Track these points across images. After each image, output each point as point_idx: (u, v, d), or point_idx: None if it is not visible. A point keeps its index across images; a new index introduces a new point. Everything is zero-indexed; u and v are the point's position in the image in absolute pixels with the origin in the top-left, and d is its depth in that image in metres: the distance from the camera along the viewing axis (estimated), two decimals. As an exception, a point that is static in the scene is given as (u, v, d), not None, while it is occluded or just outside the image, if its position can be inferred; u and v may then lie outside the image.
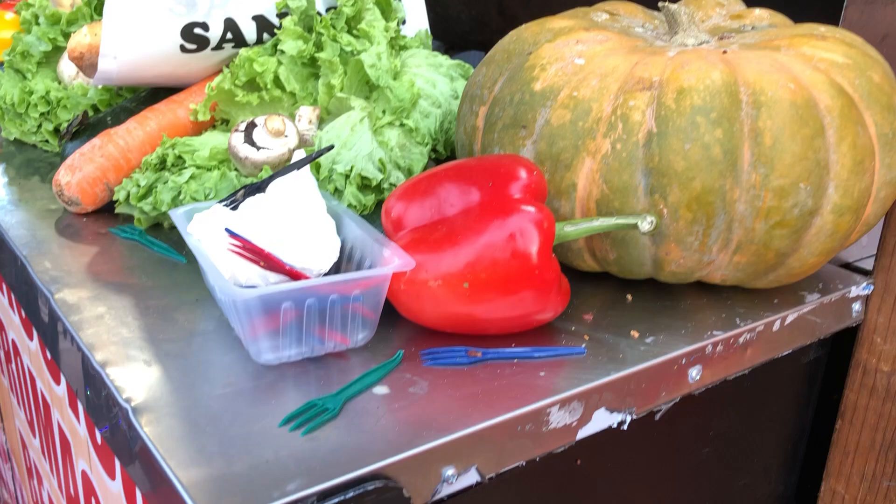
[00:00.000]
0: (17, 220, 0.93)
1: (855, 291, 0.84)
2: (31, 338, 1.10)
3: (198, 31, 0.95)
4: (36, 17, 1.32)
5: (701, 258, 0.74)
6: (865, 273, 0.88)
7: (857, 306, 0.85)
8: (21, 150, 1.19)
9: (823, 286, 0.83)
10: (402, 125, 0.94)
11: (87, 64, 0.98)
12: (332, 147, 0.76)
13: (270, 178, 0.72)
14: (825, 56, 0.75)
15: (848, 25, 0.94)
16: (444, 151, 0.98)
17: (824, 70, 0.74)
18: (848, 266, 0.91)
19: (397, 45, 1.06)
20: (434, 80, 1.00)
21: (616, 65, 0.75)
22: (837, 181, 0.70)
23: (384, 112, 0.94)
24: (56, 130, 1.14)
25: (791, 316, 0.78)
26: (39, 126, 1.16)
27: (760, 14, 0.89)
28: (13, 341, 1.26)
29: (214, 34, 0.97)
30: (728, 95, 0.70)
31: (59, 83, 1.20)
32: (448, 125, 0.98)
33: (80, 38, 0.97)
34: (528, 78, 0.77)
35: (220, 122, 1.01)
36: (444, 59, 1.04)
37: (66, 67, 1.19)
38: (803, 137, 0.69)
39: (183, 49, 0.96)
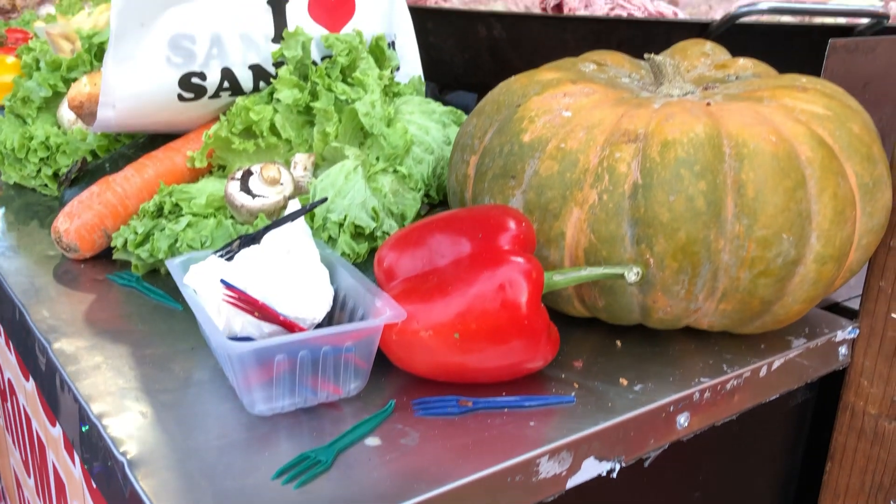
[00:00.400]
0: (15, 266, 0.94)
1: (841, 335, 0.85)
2: (27, 378, 1.10)
3: (195, 80, 0.98)
4: (37, 61, 1.34)
5: (688, 306, 0.75)
6: (852, 314, 0.89)
7: (843, 350, 0.87)
8: (20, 194, 1.21)
9: (809, 330, 0.84)
10: (395, 171, 0.96)
11: (86, 112, 1.00)
12: (325, 199, 0.78)
13: (265, 230, 0.74)
14: (806, 108, 0.77)
15: (830, 74, 0.96)
16: (436, 196, 1.00)
17: (805, 122, 0.76)
18: (835, 306, 0.93)
19: (391, 91, 1.08)
20: (427, 126, 1.02)
21: (602, 117, 0.77)
22: (819, 231, 0.72)
23: (378, 159, 0.96)
24: (55, 175, 1.16)
25: (777, 361, 0.79)
26: (39, 171, 1.17)
27: (744, 64, 0.91)
28: (9, 381, 1.26)
29: (212, 83, 0.99)
30: (711, 148, 0.72)
31: (59, 128, 1.22)
32: (440, 171, 1.00)
33: (80, 87, 1.00)
34: (517, 129, 0.79)
35: (217, 168, 1.03)
36: (437, 106, 1.07)
37: (66, 112, 1.21)
38: (785, 189, 0.70)
39: (180, 98, 0.98)
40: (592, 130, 0.76)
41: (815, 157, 0.72)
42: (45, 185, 1.19)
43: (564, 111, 0.79)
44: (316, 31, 1.03)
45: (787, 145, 0.72)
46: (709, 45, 0.95)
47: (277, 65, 1.02)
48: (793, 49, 1.21)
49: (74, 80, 1.24)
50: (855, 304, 0.90)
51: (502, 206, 0.75)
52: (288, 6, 1.01)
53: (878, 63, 1.01)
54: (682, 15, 1.54)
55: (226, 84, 1.00)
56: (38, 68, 1.34)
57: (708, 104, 0.78)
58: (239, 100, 0.98)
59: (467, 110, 1.75)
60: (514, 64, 1.36)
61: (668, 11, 1.31)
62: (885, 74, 1.02)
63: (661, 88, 0.84)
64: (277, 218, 0.88)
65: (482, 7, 1.95)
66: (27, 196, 1.20)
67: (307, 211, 0.75)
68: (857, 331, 0.87)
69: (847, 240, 0.74)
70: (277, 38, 1.01)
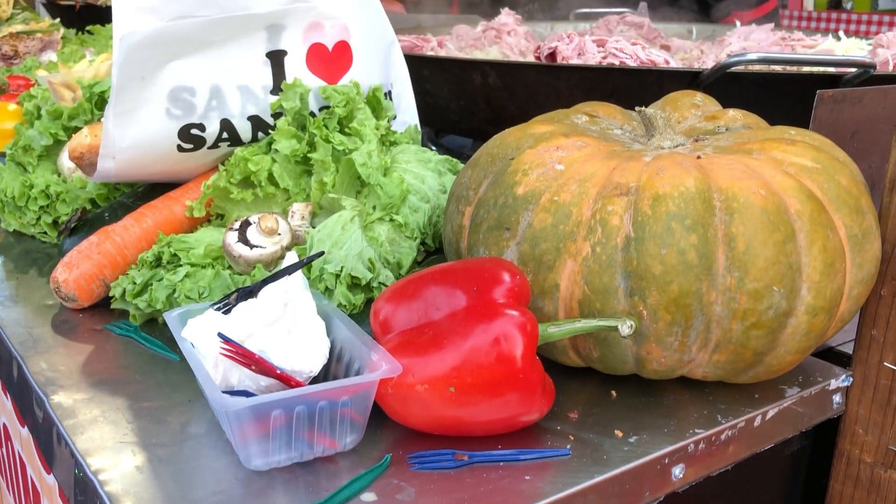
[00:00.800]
0: (14, 316, 0.95)
1: (835, 384, 0.86)
2: (22, 424, 1.10)
3: (195, 131, 0.99)
4: (38, 108, 1.36)
5: (681, 357, 0.76)
6: (846, 359, 0.90)
7: (837, 398, 0.87)
8: (19, 241, 1.22)
9: (803, 379, 0.85)
10: (391, 220, 0.97)
11: (86, 163, 1.02)
12: (322, 253, 0.79)
13: (263, 283, 0.75)
14: (795, 161, 0.79)
15: (819, 123, 0.98)
16: (432, 244, 1.01)
17: (794, 174, 0.77)
18: (829, 351, 0.93)
19: (388, 140, 1.09)
20: (423, 175, 1.04)
21: (595, 170, 0.79)
22: (810, 283, 0.73)
23: (374, 208, 0.97)
24: (55, 223, 1.17)
25: (772, 411, 0.80)
26: (38, 218, 1.18)
27: (734, 115, 0.93)
28: (4, 426, 1.26)
29: (211, 134, 1.00)
30: (702, 202, 0.73)
31: (59, 176, 1.23)
32: (436, 219, 1.01)
33: (81, 138, 1.01)
34: (511, 182, 0.80)
35: (216, 217, 1.04)
36: (433, 155, 1.08)
37: (67, 160, 1.22)
38: (775, 242, 0.72)
39: (180, 148, 1.00)
40: (585, 183, 0.78)
41: (805, 210, 0.74)
42: (45, 233, 1.19)
43: (557, 164, 0.80)
44: (314, 83, 1.05)
45: (777, 199, 0.74)
46: (699, 97, 0.97)
47: (276, 115, 1.03)
48: (782, 97, 1.23)
49: (75, 128, 1.25)
50: (849, 349, 0.91)
51: (497, 258, 0.76)
52: (286, 59, 1.03)
53: (866, 112, 1.03)
54: (675, 60, 1.57)
55: (225, 135, 1.01)
56: (40, 116, 1.36)
57: (698, 157, 0.79)
58: (238, 150, 0.99)
59: (462, 152, 1.77)
60: (509, 111, 1.38)
61: (661, 59, 1.33)
62: (873, 123, 1.04)
63: (652, 140, 0.86)
64: (275, 269, 0.89)
65: (478, 53, 1.98)
66: (26, 243, 1.21)
67: (304, 264, 0.76)
68: (851, 379, 0.87)
69: (837, 291, 0.75)
70: (276, 89, 1.03)
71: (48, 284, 1.03)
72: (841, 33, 2.13)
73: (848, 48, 1.97)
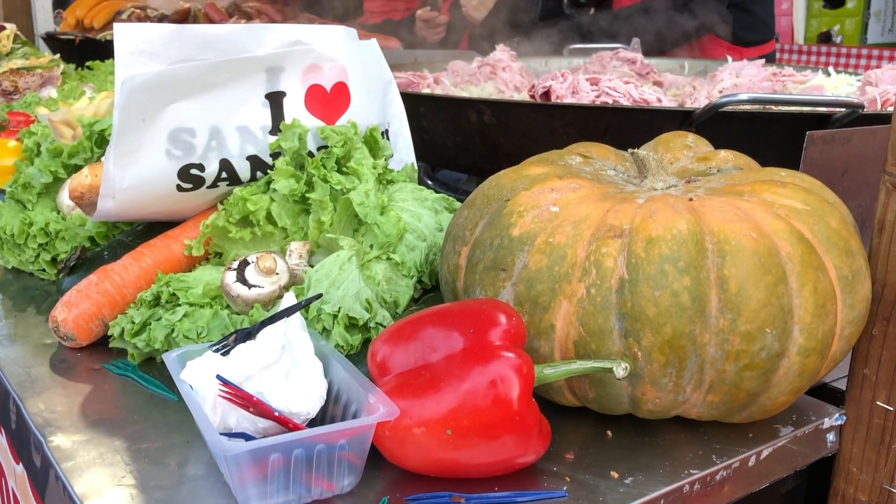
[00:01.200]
0: (12, 355, 0.95)
1: (828, 423, 0.87)
2: (17, 461, 1.10)
3: (194, 171, 1.00)
4: (38, 145, 1.38)
5: (676, 398, 0.77)
6: (839, 394, 0.90)
7: (831, 437, 0.88)
8: (18, 278, 1.22)
9: (797, 418, 0.85)
10: (388, 259, 0.98)
11: (86, 203, 1.03)
12: (320, 295, 0.80)
13: (261, 325, 0.75)
14: (785, 203, 0.80)
15: (809, 164, 1.00)
16: (429, 282, 1.02)
17: (785, 217, 0.78)
18: (823, 387, 0.94)
19: (385, 179, 1.11)
20: (419, 213, 1.05)
21: (589, 212, 0.80)
22: (801, 325, 0.74)
23: (372, 246, 0.98)
24: (54, 260, 1.18)
25: (766, 451, 0.80)
26: (37, 256, 1.19)
27: (725, 156, 0.95)
28: (-1, 463, 1.25)
29: (210, 174, 1.02)
30: (694, 244, 0.74)
31: (59, 213, 1.24)
32: (433, 257, 1.02)
33: (81, 178, 1.02)
34: (507, 224, 0.81)
35: (214, 255, 1.05)
36: (430, 193, 1.09)
37: (66, 198, 1.23)
38: (766, 284, 0.73)
39: (179, 188, 1.01)
40: (579, 225, 0.79)
41: (796, 253, 0.75)
42: (43, 270, 1.20)
43: (552, 206, 0.81)
44: (312, 123, 1.06)
45: (768, 241, 0.75)
46: (691, 138, 0.99)
47: (274, 155, 1.05)
48: (773, 135, 1.25)
49: (75, 166, 1.27)
50: (842, 385, 0.92)
51: (493, 300, 0.77)
52: (285, 100, 1.04)
53: (855, 152, 1.05)
54: (667, 98, 1.59)
55: (224, 174, 1.02)
56: (39, 153, 1.37)
57: (690, 199, 0.81)
58: (237, 190, 1.01)
59: (458, 186, 1.79)
60: (504, 147, 1.40)
61: (653, 98, 1.35)
62: (862, 162, 1.06)
63: (645, 182, 0.87)
64: (273, 309, 0.90)
65: (473, 88, 2.01)
66: (25, 280, 1.21)
67: (302, 307, 0.76)
68: (844, 417, 0.88)
69: (829, 332, 0.76)
70: (275, 130, 1.04)
71: (46, 323, 1.04)
72: (831, 69, 2.16)
73: (838, 84, 2.00)
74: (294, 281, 0.96)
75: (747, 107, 1.17)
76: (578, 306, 0.76)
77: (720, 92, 1.75)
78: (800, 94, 1.30)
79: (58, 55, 2.15)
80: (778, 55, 4.28)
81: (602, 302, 0.75)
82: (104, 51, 3.08)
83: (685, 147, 0.97)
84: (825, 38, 3.99)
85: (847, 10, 3.93)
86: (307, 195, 1.00)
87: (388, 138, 1.20)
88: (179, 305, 0.92)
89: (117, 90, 0.91)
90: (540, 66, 2.40)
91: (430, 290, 1.03)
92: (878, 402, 0.86)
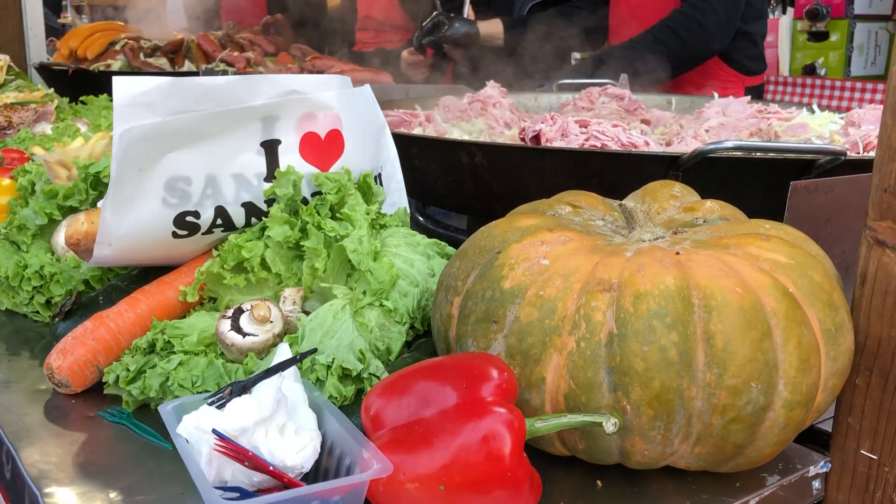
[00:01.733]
0: (5, 403, 0.96)
1: (814, 470, 0.88)
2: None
3: (190, 218, 1.02)
4: (32, 184, 1.39)
5: (664, 450, 0.78)
6: (825, 436, 0.91)
7: (817, 484, 0.89)
8: (12, 320, 1.23)
9: (783, 466, 0.87)
10: (381, 305, 0.99)
11: (83, 249, 1.04)
12: (314, 350, 0.81)
13: (256, 379, 0.76)
14: (770, 256, 0.82)
15: (793, 212, 1.02)
16: (421, 328, 1.03)
17: (769, 271, 0.80)
18: (810, 429, 0.95)
19: (378, 224, 1.12)
20: (412, 259, 1.06)
21: (578, 265, 0.82)
22: (786, 378, 0.76)
23: (365, 293, 1.00)
24: (48, 303, 1.18)
25: (753, 500, 0.82)
26: (32, 298, 1.20)
27: (711, 206, 0.97)
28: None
29: (205, 220, 1.03)
30: (681, 300, 0.76)
31: (53, 254, 1.25)
32: (425, 303, 1.04)
33: (78, 225, 1.04)
34: (498, 276, 0.83)
35: (208, 300, 1.06)
36: (422, 239, 1.11)
37: (61, 240, 1.24)
38: (752, 340, 0.74)
39: (175, 235, 1.02)
40: (569, 278, 0.81)
41: (780, 308, 0.77)
42: (37, 312, 1.21)
43: (542, 259, 0.83)
44: (306, 170, 1.08)
45: (753, 297, 0.77)
46: (677, 188, 1.01)
47: (269, 201, 1.06)
48: (759, 179, 1.28)
49: (70, 208, 1.28)
50: (828, 426, 0.93)
51: (485, 354, 0.78)
52: (280, 148, 1.06)
53: (838, 200, 1.07)
54: (654, 140, 1.63)
55: (219, 221, 1.04)
56: (34, 192, 1.38)
57: (677, 253, 0.83)
58: (231, 237, 1.02)
59: (448, 222, 1.80)
60: (495, 188, 1.42)
61: (640, 141, 1.38)
62: (845, 210, 1.08)
63: (633, 233, 0.89)
64: (267, 357, 0.91)
65: (464, 124, 2.03)
66: (18, 322, 1.22)
67: (298, 361, 0.78)
68: (830, 465, 0.89)
69: (813, 385, 0.78)
70: (270, 176, 1.06)
71: (40, 367, 1.04)
72: (815, 106, 2.20)
73: (822, 123, 2.04)
74: (288, 328, 0.97)
75: (733, 153, 1.20)
76: (569, 359, 0.77)
77: (707, 131, 1.79)
78: (784, 142, 1.33)
79: (52, 89, 2.17)
80: (765, 86, 4.35)
81: (592, 355, 0.76)
82: (97, 82, 3.10)
83: (672, 197, 1.00)
84: (810, 70, 4.06)
85: (831, 42, 4.01)
86: (301, 242, 1.02)
87: (381, 182, 1.22)
88: (174, 353, 0.93)
89: (115, 141, 0.93)
90: (530, 101, 2.44)
91: (422, 335, 1.04)
92: (861, 451, 0.88)
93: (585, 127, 1.43)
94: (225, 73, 2.79)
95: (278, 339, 0.94)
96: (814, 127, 2.00)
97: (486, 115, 2.10)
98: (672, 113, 2.32)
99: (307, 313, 1.00)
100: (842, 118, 2.09)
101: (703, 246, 0.85)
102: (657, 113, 2.27)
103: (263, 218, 1.06)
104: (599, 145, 1.34)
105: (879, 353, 0.85)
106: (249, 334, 0.92)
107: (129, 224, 0.99)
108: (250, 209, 1.06)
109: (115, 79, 0.92)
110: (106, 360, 0.98)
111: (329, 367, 0.86)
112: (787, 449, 0.90)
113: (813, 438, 0.93)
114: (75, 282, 1.17)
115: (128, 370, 0.93)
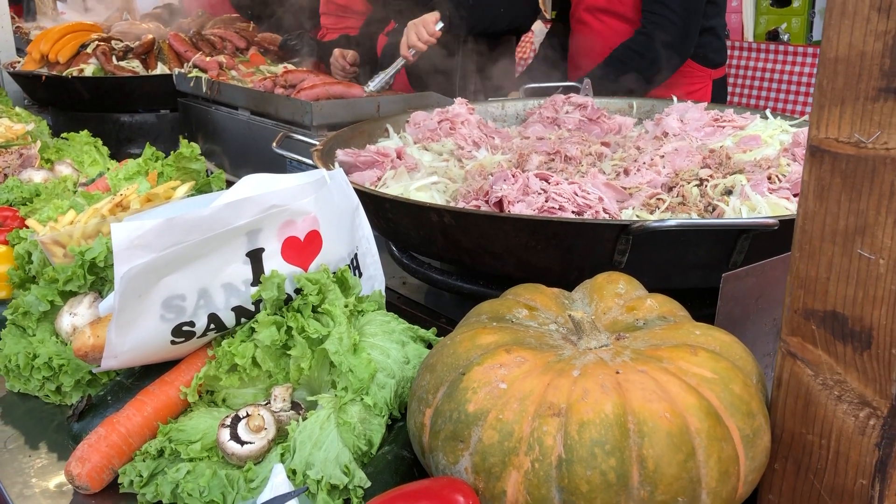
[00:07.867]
0: (34, 506, 1.08)
1: (740, 541, 1.03)
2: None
3: (186, 328, 1.13)
4: (29, 254, 1.49)
5: (608, 550, 0.92)
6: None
7: (743, 549, 1.04)
8: (24, 400, 1.34)
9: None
10: (362, 401, 1.12)
11: (91, 358, 1.15)
12: (306, 488, 0.94)
13: (260, 511, 0.89)
14: (696, 371, 0.95)
15: (725, 299, 1.15)
16: (398, 415, 1.16)
17: (695, 386, 0.93)
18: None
19: (356, 311, 1.24)
20: (388, 349, 1.18)
21: (532, 388, 0.94)
22: (708, 489, 0.90)
23: (346, 389, 1.12)
24: (58, 389, 1.30)
25: (686, 577, 0.96)
26: (43, 384, 1.31)
27: (651, 304, 1.09)
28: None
29: (200, 327, 1.14)
30: (619, 427, 0.89)
31: (58, 337, 1.36)
32: (401, 391, 1.16)
33: (85, 339, 1.14)
34: (463, 399, 0.95)
35: (206, 393, 1.18)
36: (396, 325, 1.23)
37: (65, 324, 1.35)
38: (678, 462, 0.88)
39: (173, 342, 1.14)
40: (524, 401, 0.93)
41: (703, 428, 0.90)
42: (48, 396, 1.32)
43: (501, 383, 0.96)
44: (289, 270, 1.19)
45: (680, 420, 0.90)
46: (622, 284, 1.13)
47: (256, 303, 1.17)
48: (702, 241, 1.40)
49: (70, 292, 1.38)
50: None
51: (453, 480, 0.92)
52: (264, 255, 1.16)
53: (768, 279, 1.20)
54: (614, 159, 1.74)
55: (212, 325, 1.15)
56: (31, 260, 1.48)
57: (617, 372, 0.95)
58: (224, 344, 1.14)
59: (422, 258, 1.91)
60: (464, 244, 1.53)
61: (595, 198, 1.49)
62: (775, 285, 1.21)
63: (581, 342, 1.02)
64: (262, 463, 1.03)
65: (434, 144, 2.12)
66: (30, 402, 1.33)
67: (293, 497, 0.90)
68: (754, 533, 1.04)
69: (733, 489, 0.92)
70: (255, 281, 1.17)
71: (59, 462, 1.16)
72: (768, 111, 2.31)
73: (773, 133, 2.15)
74: (279, 427, 1.09)
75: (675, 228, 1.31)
76: (525, 477, 0.91)
77: (662, 157, 1.89)
78: (723, 219, 1.45)
79: (32, 125, 2.22)
80: (730, 52, 4.43)
81: (544, 475, 0.90)
82: (71, 88, 3.13)
83: (616, 295, 1.12)
84: (773, 35, 4.13)
85: (793, 9, 4.07)
86: (288, 343, 1.13)
87: (357, 263, 1.33)
88: (182, 461, 1.05)
89: (117, 280, 1.03)
90: (497, 110, 2.52)
91: (400, 421, 1.17)
92: (781, 525, 1.02)
93: (546, 181, 1.54)
94: (199, 79, 2.83)
95: (272, 444, 1.06)
96: (765, 139, 2.11)
97: (454, 135, 2.19)
98: (633, 118, 2.42)
99: (295, 403, 1.12)
100: (793, 126, 2.20)
101: (640, 359, 0.98)
102: (619, 120, 2.37)
103: (251, 317, 1.17)
104: (557, 206, 1.45)
105: (793, 445, 0.99)
106: (247, 443, 1.05)
107: (132, 340, 1.10)
108: (240, 312, 1.17)
109: (112, 226, 1.02)
110: (120, 462, 1.10)
111: (319, 482, 0.99)
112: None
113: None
114: (83, 371, 1.28)
115: (140, 476, 1.06)
